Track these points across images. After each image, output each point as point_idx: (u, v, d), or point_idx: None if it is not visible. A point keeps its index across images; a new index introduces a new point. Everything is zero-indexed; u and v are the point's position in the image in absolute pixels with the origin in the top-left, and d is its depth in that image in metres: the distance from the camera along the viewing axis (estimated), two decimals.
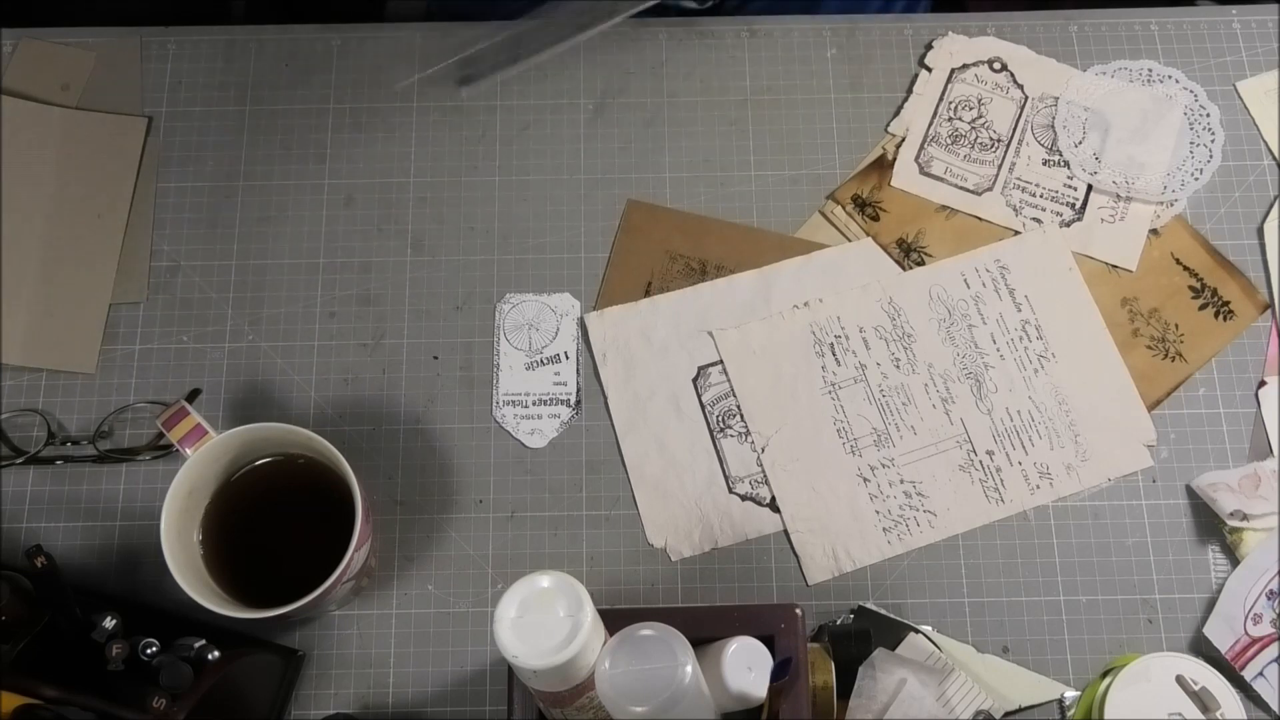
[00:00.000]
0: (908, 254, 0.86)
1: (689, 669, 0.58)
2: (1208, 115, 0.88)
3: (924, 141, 0.88)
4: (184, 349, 0.84)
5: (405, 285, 0.85)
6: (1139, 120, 0.87)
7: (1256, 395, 0.82)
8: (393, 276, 0.86)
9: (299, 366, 0.84)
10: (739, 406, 0.82)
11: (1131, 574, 0.78)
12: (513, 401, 0.82)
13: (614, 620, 0.61)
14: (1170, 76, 0.89)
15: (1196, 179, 0.86)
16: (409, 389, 0.83)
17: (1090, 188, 0.86)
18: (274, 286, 0.85)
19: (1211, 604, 0.77)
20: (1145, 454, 0.81)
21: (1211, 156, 0.87)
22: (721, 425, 0.81)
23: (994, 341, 0.83)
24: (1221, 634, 0.76)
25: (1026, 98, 0.89)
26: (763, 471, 0.80)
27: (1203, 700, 0.70)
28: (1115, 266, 0.85)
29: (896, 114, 0.89)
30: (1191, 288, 0.84)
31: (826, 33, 0.91)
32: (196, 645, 0.69)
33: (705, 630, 0.67)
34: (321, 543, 0.71)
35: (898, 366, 0.82)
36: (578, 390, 0.83)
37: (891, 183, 0.87)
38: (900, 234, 0.86)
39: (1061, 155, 0.87)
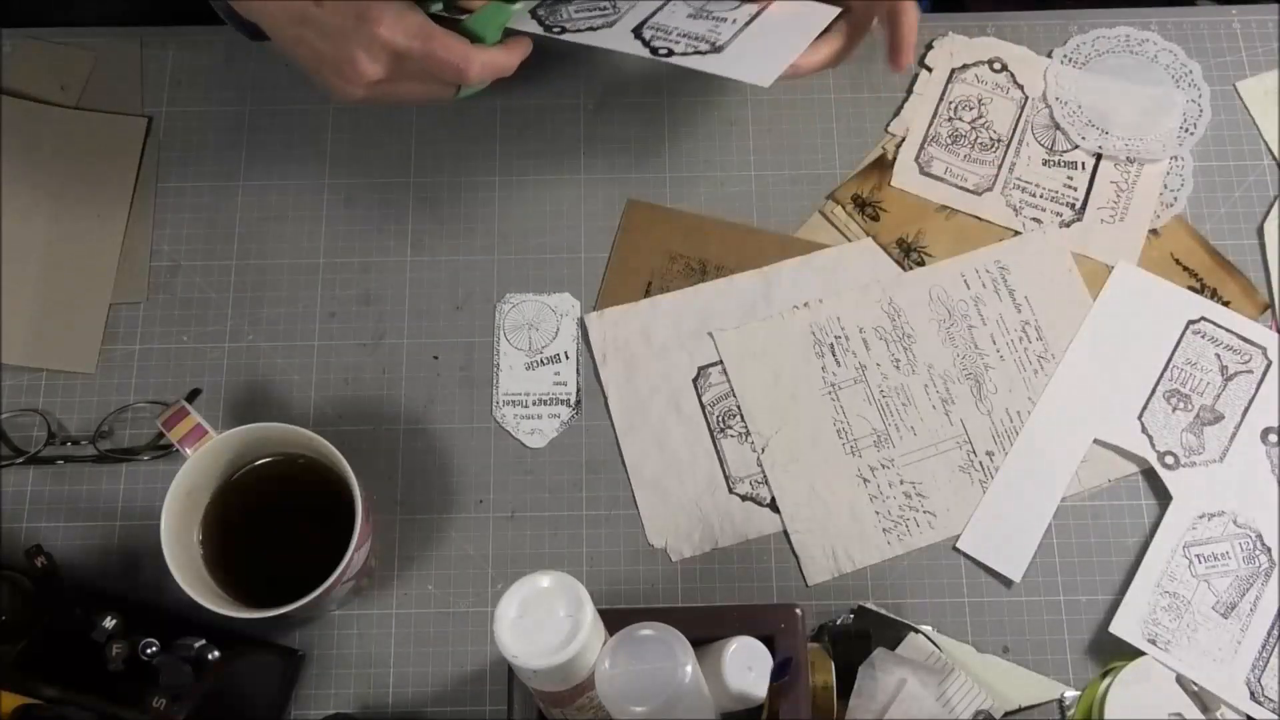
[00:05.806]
0: (908, 254, 0.86)
1: (689, 669, 0.58)
2: (1190, 73, 0.88)
3: (924, 141, 0.88)
4: (184, 349, 0.84)
5: (405, 285, 0.85)
6: (1129, 82, 0.88)
7: None
8: (393, 276, 0.86)
9: (299, 366, 0.84)
10: (739, 407, 0.82)
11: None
12: (513, 401, 0.82)
13: (614, 620, 0.61)
14: (1147, 40, 0.89)
15: (1191, 134, 0.86)
16: (409, 389, 0.83)
17: (1090, 188, 0.86)
18: (274, 286, 0.85)
19: None
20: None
21: (1202, 111, 0.88)
22: (721, 425, 0.81)
23: (994, 342, 0.83)
24: None
25: (1026, 98, 0.89)
26: (763, 472, 0.80)
27: (1203, 700, 0.70)
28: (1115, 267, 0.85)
29: (896, 114, 0.89)
30: (1191, 288, 0.84)
31: None
32: (196, 645, 0.69)
33: (705, 630, 0.67)
34: (321, 543, 0.71)
35: (898, 367, 0.82)
36: (578, 390, 0.83)
37: (891, 183, 0.87)
38: (900, 234, 0.86)
39: (1061, 156, 0.87)
